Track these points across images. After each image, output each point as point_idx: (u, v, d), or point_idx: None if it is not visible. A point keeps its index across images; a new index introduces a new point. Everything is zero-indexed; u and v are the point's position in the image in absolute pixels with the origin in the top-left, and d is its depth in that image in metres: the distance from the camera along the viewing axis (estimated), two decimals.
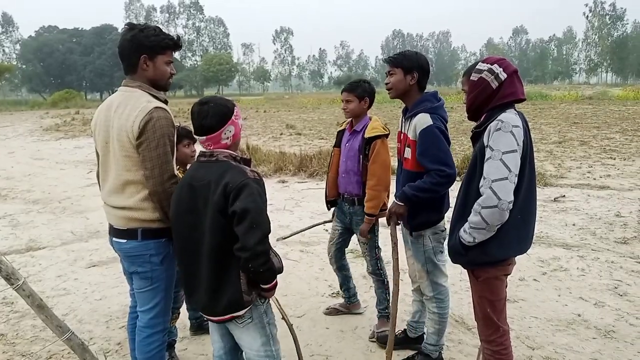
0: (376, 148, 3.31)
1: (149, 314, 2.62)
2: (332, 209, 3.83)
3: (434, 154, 2.78)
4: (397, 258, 3.03)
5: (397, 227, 3.06)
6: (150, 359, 2.66)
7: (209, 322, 2.43)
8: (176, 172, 2.55)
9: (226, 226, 2.08)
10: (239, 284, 2.14)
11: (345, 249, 3.87)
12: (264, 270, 2.11)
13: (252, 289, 2.19)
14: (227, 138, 2.23)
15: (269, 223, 2.12)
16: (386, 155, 3.35)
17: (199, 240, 2.15)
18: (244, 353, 2.39)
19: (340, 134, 3.67)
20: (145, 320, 2.63)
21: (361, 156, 3.37)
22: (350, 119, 3.55)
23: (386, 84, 3.02)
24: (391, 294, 3.21)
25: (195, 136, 2.27)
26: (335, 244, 3.82)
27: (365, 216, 3.39)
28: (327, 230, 6.31)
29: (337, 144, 3.66)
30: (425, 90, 3.03)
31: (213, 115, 2.17)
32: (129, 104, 2.40)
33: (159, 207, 2.44)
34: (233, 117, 2.24)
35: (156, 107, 2.37)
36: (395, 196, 2.98)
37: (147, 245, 2.50)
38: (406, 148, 2.96)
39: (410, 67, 2.91)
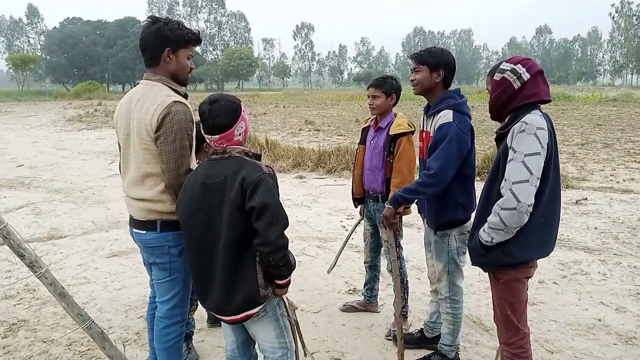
0: (402, 145, 3.29)
1: (167, 305, 2.65)
2: (360, 206, 3.82)
3: (437, 150, 2.76)
4: (396, 259, 3.12)
5: (393, 230, 3.12)
6: (168, 349, 2.69)
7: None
8: (195, 165, 2.57)
9: (243, 221, 2.09)
10: (255, 279, 2.16)
11: (382, 249, 3.81)
12: (283, 264, 2.13)
13: (268, 285, 2.21)
14: (240, 134, 2.25)
15: (287, 217, 2.15)
16: (412, 153, 3.33)
17: (215, 238, 2.15)
18: (257, 345, 2.41)
19: (365, 130, 3.66)
20: (164, 311, 2.66)
21: (386, 153, 3.36)
22: (375, 115, 3.53)
23: (411, 80, 3.00)
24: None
25: (207, 135, 2.24)
26: (368, 244, 3.82)
27: (386, 204, 3.35)
28: (344, 227, 6.31)
29: (362, 141, 3.65)
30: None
31: (225, 114, 2.18)
32: (149, 98, 2.42)
33: (175, 199, 2.46)
34: (242, 113, 2.25)
35: (175, 102, 2.38)
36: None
37: (166, 237, 2.53)
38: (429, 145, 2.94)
39: (436, 65, 2.89)
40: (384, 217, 3.06)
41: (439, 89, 2.95)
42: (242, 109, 2.26)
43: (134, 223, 2.62)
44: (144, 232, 2.56)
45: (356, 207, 3.85)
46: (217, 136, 2.20)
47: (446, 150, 2.73)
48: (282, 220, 2.10)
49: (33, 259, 2.56)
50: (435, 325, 3.41)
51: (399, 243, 3.57)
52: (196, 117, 2.42)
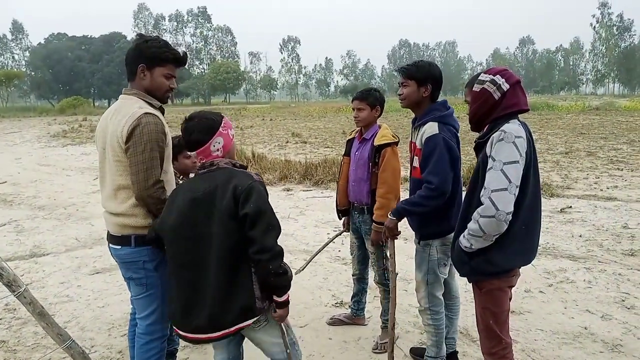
0: (386, 156, 3.30)
1: (146, 321, 2.63)
2: (343, 218, 3.82)
3: (431, 163, 2.77)
4: (394, 271, 3.09)
5: (394, 241, 3.08)
6: None
7: (213, 344, 2.43)
8: (174, 179, 2.57)
9: (236, 231, 2.08)
10: (252, 289, 2.14)
11: (370, 261, 3.78)
12: (282, 272, 2.12)
13: (265, 299, 2.19)
14: (217, 150, 2.27)
15: (280, 224, 2.16)
16: (396, 163, 3.34)
17: (205, 252, 2.12)
18: (264, 352, 2.40)
19: (349, 142, 3.66)
20: (144, 327, 2.64)
21: (371, 164, 3.36)
22: (360, 127, 3.54)
23: (399, 94, 3.03)
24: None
25: (188, 152, 2.30)
26: (356, 257, 3.81)
27: (374, 224, 3.36)
28: (328, 234, 6.28)
29: (347, 153, 3.65)
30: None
31: (199, 131, 2.24)
32: (122, 110, 2.45)
33: (148, 213, 2.47)
34: (220, 129, 2.27)
35: (146, 113, 2.40)
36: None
37: (141, 251, 2.53)
38: (415, 157, 2.96)
39: (424, 79, 2.91)
40: (387, 228, 3.02)
41: (426, 102, 2.98)
42: (222, 124, 2.28)
43: (110, 238, 2.62)
44: (119, 247, 2.56)
45: (340, 218, 3.84)
46: (195, 152, 2.26)
47: (440, 161, 2.76)
48: (277, 227, 2.12)
49: (11, 278, 2.52)
50: (448, 340, 3.29)
51: (386, 254, 3.56)
52: (172, 132, 2.42)
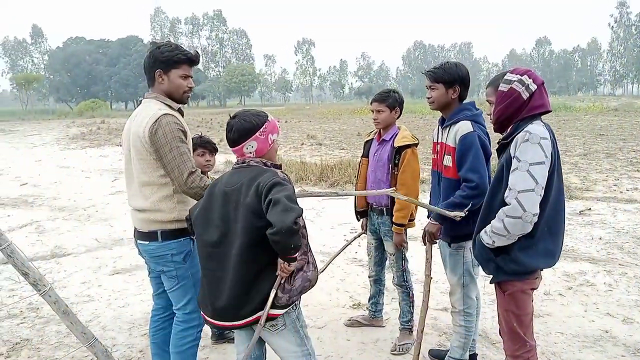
0: (407, 157, 3.31)
1: (184, 310, 2.75)
2: (362, 220, 3.82)
3: (470, 161, 2.76)
4: (430, 275, 3.03)
5: (433, 245, 3.05)
6: (183, 353, 2.75)
7: (235, 332, 2.46)
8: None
9: (259, 228, 2.09)
10: (273, 281, 2.18)
11: (386, 263, 3.81)
12: (295, 246, 2.02)
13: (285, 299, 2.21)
14: (250, 152, 2.31)
15: (301, 209, 2.04)
16: (416, 165, 3.35)
17: (231, 244, 2.18)
18: (280, 358, 2.41)
19: (367, 144, 3.66)
20: (181, 315, 2.76)
21: (390, 165, 3.37)
22: (378, 129, 3.54)
23: (428, 97, 3.04)
24: (417, 310, 3.17)
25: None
26: (373, 258, 3.80)
27: (394, 226, 3.37)
28: (345, 235, 6.28)
29: (365, 154, 3.65)
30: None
31: (236, 130, 2.29)
32: (143, 113, 2.60)
33: (173, 207, 2.63)
34: (257, 134, 2.30)
35: (165, 114, 2.53)
36: (429, 216, 2.99)
37: (168, 245, 2.64)
38: (445, 156, 2.95)
39: (452, 82, 2.92)
40: (429, 233, 2.98)
41: (455, 103, 2.99)
42: (262, 129, 2.30)
43: (138, 234, 2.74)
44: (147, 242, 2.67)
45: (358, 220, 3.85)
46: (231, 148, 2.34)
47: (477, 158, 2.76)
48: (297, 209, 1.99)
49: (37, 277, 2.56)
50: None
51: (405, 256, 3.56)
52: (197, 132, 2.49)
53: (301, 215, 2.06)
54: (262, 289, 2.17)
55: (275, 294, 2.17)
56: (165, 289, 2.79)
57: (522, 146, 2.15)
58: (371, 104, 3.52)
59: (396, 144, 3.35)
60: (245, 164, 2.30)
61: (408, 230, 3.51)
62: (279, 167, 2.35)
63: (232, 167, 2.37)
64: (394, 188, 3.19)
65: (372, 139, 3.64)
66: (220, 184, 2.29)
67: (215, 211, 2.25)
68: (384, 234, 3.53)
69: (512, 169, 2.17)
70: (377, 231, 3.64)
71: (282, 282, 2.19)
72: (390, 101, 3.41)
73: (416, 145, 3.39)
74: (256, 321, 2.21)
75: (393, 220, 3.37)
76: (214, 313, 2.28)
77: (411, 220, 3.45)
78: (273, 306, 2.18)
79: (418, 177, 3.38)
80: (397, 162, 3.34)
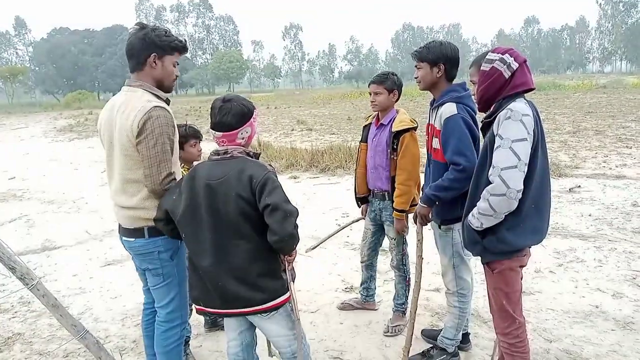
0: (405, 142, 3.25)
1: (166, 309, 2.68)
2: (362, 205, 3.78)
3: (453, 143, 2.73)
4: (421, 256, 3.03)
5: (423, 226, 3.04)
6: (169, 353, 2.71)
7: (225, 319, 2.47)
8: (180, 170, 2.59)
9: (253, 217, 2.14)
10: (278, 271, 2.26)
11: (379, 249, 3.81)
12: (296, 244, 2.27)
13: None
14: (243, 138, 2.28)
15: (296, 208, 2.20)
16: (416, 149, 3.29)
17: (222, 235, 2.17)
18: (271, 342, 2.48)
19: (366, 128, 3.61)
20: (163, 315, 2.69)
21: (389, 150, 3.32)
22: (376, 113, 3.50)
23: (415, 77, 3.02)
24: (411, 292, 3.17)
25: (212, 130, 2.28)
26: (368, 243, 3.77)
27: (395, 211, 3.34)
28: (339, 226, 6.29)
29: (364, 139, 3.59)
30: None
31: (234, 114, 2.22)
32: (130, 104, 2.42)
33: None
34: (252, 119, 2.29)
35: (155, 107, 2.38)
36: (420, 198, 2.99)
37: (155, 242, 2.54)
38: (434, 139, 2.93)
39: (435, 60, 2.88)
40: (420, 215, 2.97)
41: (442, 83, 2.95)
42: (254, 115, 2.30)
43: (123, 231, 2.63)
44: (133, 239, 2.57)
45: (359, 206, 3.80)
46: (221, 134, 2.25)
47: (462, 141, 2.72)
48: (294, 213, 2.16)
49: (24, 271, 2.54)
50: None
51: (406, 240, 3.56)
52: (177, 121, 2.43)
53: (297, 215, 2.19)
54: (266, 270, 2.22)
55: (286, 279, 2.27)
56: (149, 285, 2.71)
57: (504, 124, 2.15)
58: (369, 86, 3.45)
59: (394, 129, 3.28)
60: (228, 155, 2.22)
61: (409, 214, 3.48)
62: (258, 156, 2.36)
63: (209, 158, 2.29)
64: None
65: (371, 123, 3.57)
66: (200, 179, 2.20)
67: (201, 207, 2.18)
68: (386, 219, 3.50)
69: (495, 146, 2.16)
70: (377, 217, 3.61)
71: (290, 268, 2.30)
72: (389, 83, 3.33)
73: (415, 129, 3.32)
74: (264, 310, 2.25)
75: (394, 206, 3.33)
76: (223, 302, 2.25)
77: (413, 205, 3.36)
78: (281, 293, 2.27)
79: (418, 161, 3.32)
80: (395, 147, 3.28)
